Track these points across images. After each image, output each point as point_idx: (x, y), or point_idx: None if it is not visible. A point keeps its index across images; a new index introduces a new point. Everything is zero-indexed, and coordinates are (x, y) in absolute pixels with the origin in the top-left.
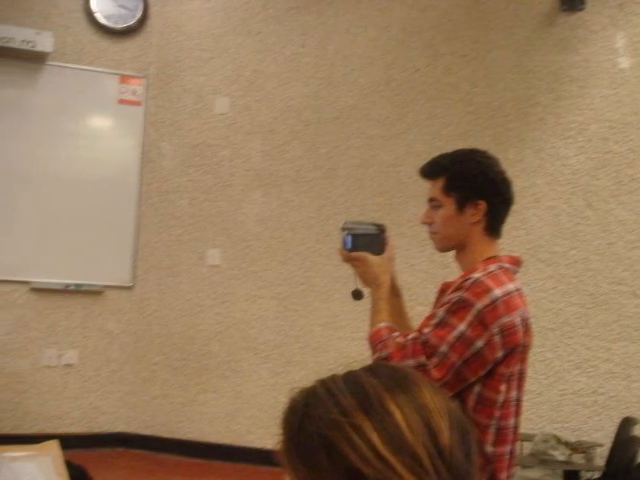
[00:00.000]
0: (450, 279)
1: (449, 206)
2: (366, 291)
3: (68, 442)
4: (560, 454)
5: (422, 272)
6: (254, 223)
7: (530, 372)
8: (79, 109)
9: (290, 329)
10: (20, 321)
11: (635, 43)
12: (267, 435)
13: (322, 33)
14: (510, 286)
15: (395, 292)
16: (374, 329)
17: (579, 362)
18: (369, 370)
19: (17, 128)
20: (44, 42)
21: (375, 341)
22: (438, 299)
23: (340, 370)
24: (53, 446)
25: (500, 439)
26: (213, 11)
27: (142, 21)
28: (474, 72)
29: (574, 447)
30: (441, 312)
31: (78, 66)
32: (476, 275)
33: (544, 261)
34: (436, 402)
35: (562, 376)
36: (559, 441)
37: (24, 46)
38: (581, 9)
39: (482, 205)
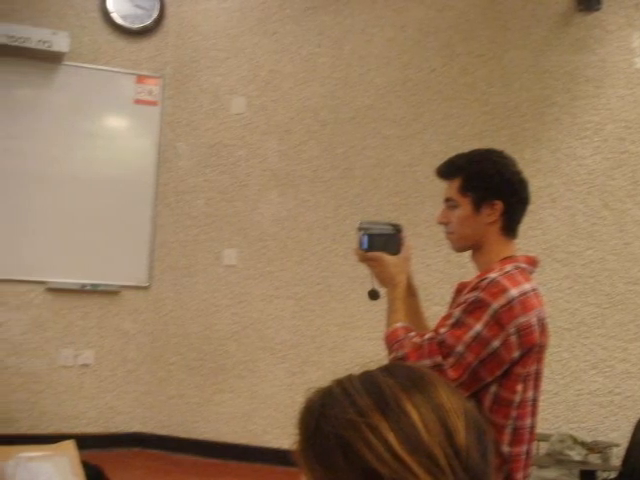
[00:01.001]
0: (466, 279)
1: (465, 206)
2: (382, 291)
3: (84, 442)
4: (576, 454)
5: (438, 272)
6: (270, 223)
7: (546, 372)
8: (95, 109)
9: (306, 329)
10: (36, 321)
11: None
12: (283, 435)
13: (338, 33)
14: (526, 286)
15: (411, 292)
16: (390, 329)
17: (595, 362)
18: (385, 370)
19: (33, 128)
20: (60, 42)
21: (391, 341)
22: (454, 299)
23: (356, 370)
24: (69, 446)
25: (516, 439)
26: (229, 11)
27: (158, 21)
28: (490, 72)
29: (590, 447)
30: (457, 312)
31: (94, 66)
32: (492, 275)
33: (560, 261)
34: (452, 402)
35: (578, 376)
36: (575, 441)
37: (40, 46)
38: (597, 9)
39: (498, 205)
